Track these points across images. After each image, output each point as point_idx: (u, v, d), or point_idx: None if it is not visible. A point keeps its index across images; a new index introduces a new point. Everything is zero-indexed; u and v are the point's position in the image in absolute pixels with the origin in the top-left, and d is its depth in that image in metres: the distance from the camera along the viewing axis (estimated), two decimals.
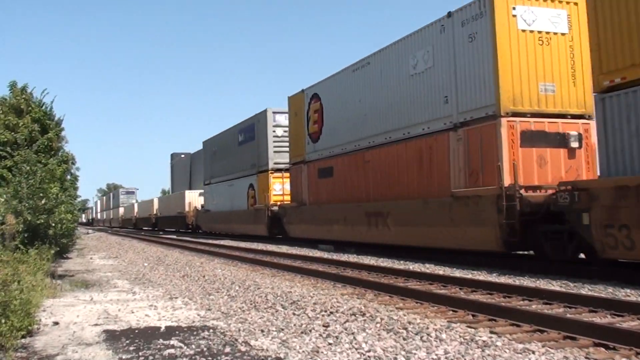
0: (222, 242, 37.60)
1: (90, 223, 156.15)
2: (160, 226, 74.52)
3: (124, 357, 7.84)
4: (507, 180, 16.86)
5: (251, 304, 12.01)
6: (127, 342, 8.64)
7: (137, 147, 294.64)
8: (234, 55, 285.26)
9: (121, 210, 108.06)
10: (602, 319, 9.72)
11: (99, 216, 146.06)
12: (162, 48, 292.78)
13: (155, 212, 77.98)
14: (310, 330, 9.07)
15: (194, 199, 59.68)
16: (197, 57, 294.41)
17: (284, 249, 28.76)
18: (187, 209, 59.78)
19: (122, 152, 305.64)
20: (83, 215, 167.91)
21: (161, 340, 8.64)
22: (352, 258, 22.24)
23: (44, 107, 24.84)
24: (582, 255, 16.35)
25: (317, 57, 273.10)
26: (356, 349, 7.84)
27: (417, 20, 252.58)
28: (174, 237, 50.93)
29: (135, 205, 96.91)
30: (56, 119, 25.79)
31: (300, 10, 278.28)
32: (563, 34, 17.97)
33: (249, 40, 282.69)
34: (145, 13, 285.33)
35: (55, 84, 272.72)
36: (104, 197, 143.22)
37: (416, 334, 8.53)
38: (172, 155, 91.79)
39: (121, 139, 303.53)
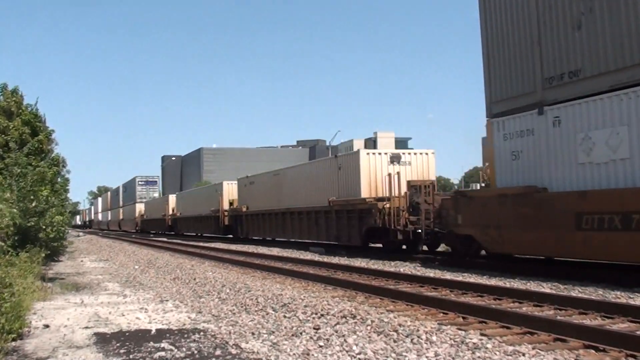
0: (213, 244, 37.56)
1: (87, 226, 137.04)
2: (252, 231, 40.94)
3: None
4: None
5: (242, 307, 12.00)
6: (118, 345, 8.63)
7: (128, 149, 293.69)
8: (227, 57, 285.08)
9: (139, 207, 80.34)
10: (592, 320, 9.77)
11: (100, 217, 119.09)
12: (153, 50, 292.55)
13: (230, 204, 44.89)
14: (301, 333, 9.08)
15: (378, 162, 26.34)
16: (188, 60, 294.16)
17: (274, 251, 28.75)
18: (379, 190, 25.59)
19: (113, 154, 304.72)
20: (78, 217, 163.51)
21: (152, 343, 8.63)
22: (343, 260, 22.26)
23: (31, 109, 24.77)
24: None
25: (315, 58, 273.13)
26: (347, 352, 7.85)
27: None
28: (165, 239, 50.68)
29: (172, 199, 64.94)
30: (43, 120, 25.76)
31: (298, 10, 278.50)
32: None
33: (242, 42, 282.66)
34: (137, 15, 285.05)
35: (46, 86, 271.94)
36: (109, 193, 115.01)
37: (407, 336, 8.55)
38: (162, 157, 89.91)
39: (112, 141, 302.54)
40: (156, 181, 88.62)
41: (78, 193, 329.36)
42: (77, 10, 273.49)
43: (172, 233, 62.63)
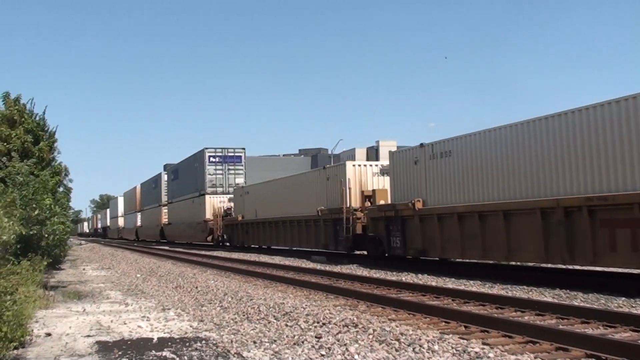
0: (215, 253, 37.55)
1: (100, 234, 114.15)
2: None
3: None
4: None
5: (244, 315, 12.00)
6: (120, 353, 8.62)
7: (130, 158, 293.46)
8: (229, 65, 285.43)
9: (212, 202, 48.40)
10: (594, 330, 9.77)
11: (121, 222, 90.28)
12: (156, 57, 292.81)
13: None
14: (302, 342, 9.07)
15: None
16: (190, 68, 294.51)
17: (276, 259, 28.74)
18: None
19: (114, 163, 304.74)
20: (85, 225, 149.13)
21: (153, 352, 8.62)
22: (345, 269, 22.24)
23: (35, 118, 24.82)
24: None
25: (317, 67, 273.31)
26: None
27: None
28: (167, 247, 50.60)
29: (355, 170, 27.69)
30: (49, 130, 25.78)
31: (301, 19, 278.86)
32: None
33: (244, 50, 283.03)
34: (140, 22, 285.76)
35: (48, 94, 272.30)
36: (137, 186, 79.62)
37: (408, 345, 8.54)
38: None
39: (113, 150, 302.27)
40: (240, 157, 50.55)
41: (80, 202, 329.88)
42: (79, 17, 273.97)
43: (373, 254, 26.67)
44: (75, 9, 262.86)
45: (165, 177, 65.38)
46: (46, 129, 25.56)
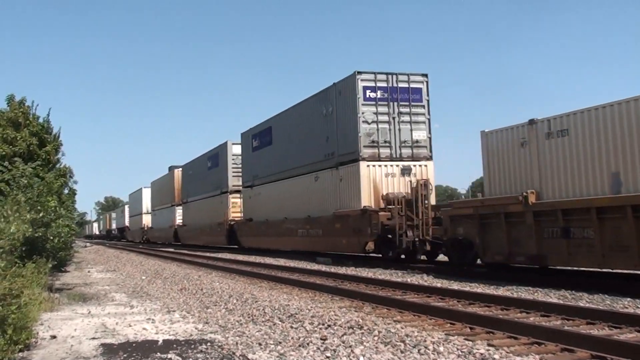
0: (220, 255, 37.56)
1: (115, 236, 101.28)
2: None
3: None
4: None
5: (249, 317, 12.00)
6: (125, 355, 8.63)
7: (134, 160, 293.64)
8: (235, 65, 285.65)
9: (368, 175, 25.11)
10: (599, 331, 9.75)
11: (145, 221, 74.49)
12: (161, 58, 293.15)
13: None
14: (307, 344, 9.06)
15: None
16: (195, 70, 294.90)
17: (281, 261, 28.74)
18: None
19: (119, 165, 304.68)
20: (95, 226, 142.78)
21: (159, 354, 8.63)
22: (350, 271, 22.22)
23: (40, 120, 24.86)
24: None
25: (322, 59, 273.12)
26: None
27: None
28: (172, 250, 50.65)
29: None
30: (53, 132, 25.81)
31: (305, 20, 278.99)
32: None
33: (249, 50, 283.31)
34: (146, 23, 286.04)
35: (50, 95, 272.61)
36: (177, 171, 60.85)
37: (414, 347, 8.53)
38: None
39: (118, 152, 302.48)
40: (420, 90, 26.18)
41: (84, 204, 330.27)
42: (85, 18, 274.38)
43: None
44: (79, 8, 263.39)
45: (234, 149, 42.90)
46: (50, 131, 25.61)
